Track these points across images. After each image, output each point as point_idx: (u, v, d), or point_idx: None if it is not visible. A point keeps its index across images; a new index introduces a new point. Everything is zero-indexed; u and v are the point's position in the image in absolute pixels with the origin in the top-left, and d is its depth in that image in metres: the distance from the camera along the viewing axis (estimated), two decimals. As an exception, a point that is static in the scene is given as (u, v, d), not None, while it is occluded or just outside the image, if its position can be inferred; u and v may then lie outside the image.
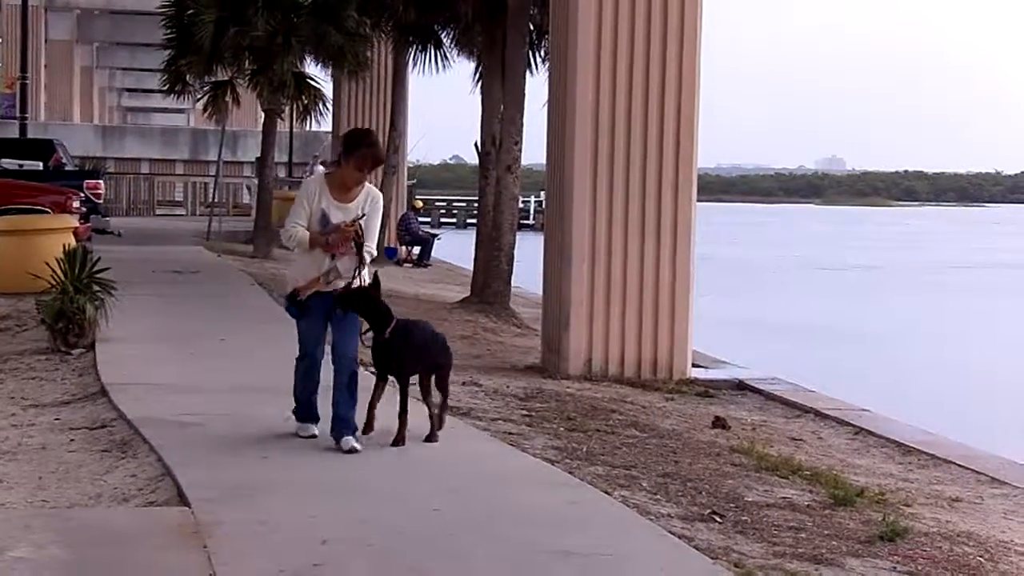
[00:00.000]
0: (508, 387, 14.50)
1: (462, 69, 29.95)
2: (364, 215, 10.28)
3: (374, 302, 10.36)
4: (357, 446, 10.15)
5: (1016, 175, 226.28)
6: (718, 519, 9.21)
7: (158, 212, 52.61)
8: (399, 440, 10.36)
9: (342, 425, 10.28)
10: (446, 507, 8.84)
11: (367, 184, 10.52)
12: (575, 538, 8.17)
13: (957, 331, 34.64)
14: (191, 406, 12.02)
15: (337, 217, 10.21)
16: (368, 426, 10.56)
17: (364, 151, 10.22)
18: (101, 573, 7.30)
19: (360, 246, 10.27)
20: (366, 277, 10.38)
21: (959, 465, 12.69)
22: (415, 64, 31.50)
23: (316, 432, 10.60)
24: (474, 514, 8.76)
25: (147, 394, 12.62)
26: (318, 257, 10.31)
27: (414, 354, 10.57)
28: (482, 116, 25.38)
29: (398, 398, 10.46)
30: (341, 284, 10.26)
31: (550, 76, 17.75)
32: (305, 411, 10.74)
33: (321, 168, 44.80)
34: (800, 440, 13.32)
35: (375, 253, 10.50)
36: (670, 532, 8.53)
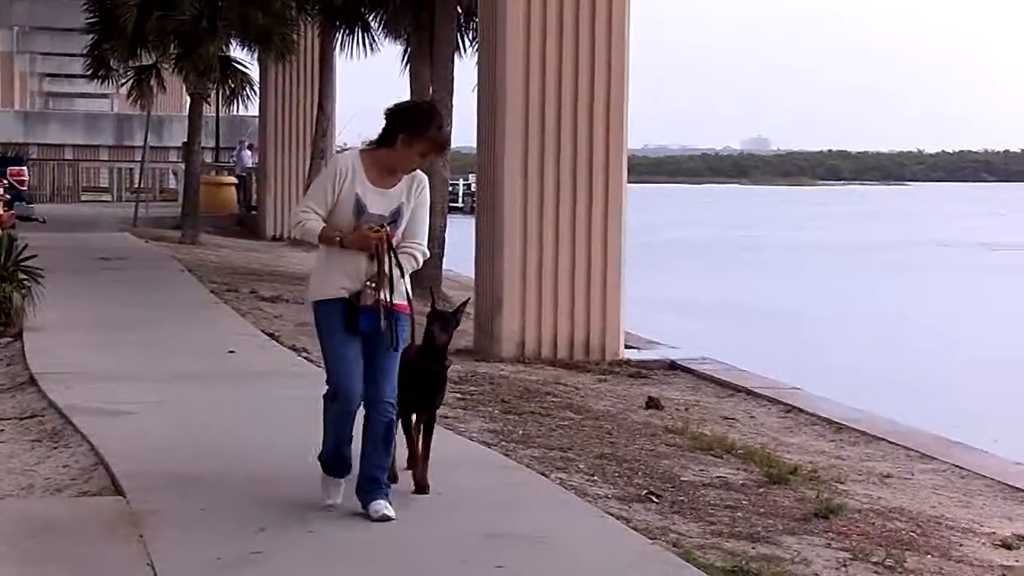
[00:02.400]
0: (441, 370, 14.45)
1: (390, 52, 29.85)
2: (390, 222, 7.97)
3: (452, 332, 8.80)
4: (390, 513, 7.99)
5: (936, 154, 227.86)
6: (655, 499, 9.24)
7: (83, 198, 52.26)
8: (426, 486, 8.68)
9: (373, 487, 8.08)
10: (383, 492, 8.83)
11: None
12: (514, 521, 8.17)
13: (897, 309, 34.68)
14: (123, 395, 11.94)
15: (376, 205, 7.93)
16: (394, 477, 8.65)
17: (434, 134, 8.01)
18: (36, 563, 7.23)
19: (386, 257, 7.96)
20: (404, 288, 8.23)
21: (889, 442, 12.79)
22: (343, 47, 31.34)
23: (339, 500, 8.30)
24: (412, 497, 8.75)
25: (78, 383, 12.52)
26: (349, 257, 7.99)
27: None
28: (411, 97, 25.31)
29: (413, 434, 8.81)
30: (378, 294, 7.99)
31: (479, 59, 17.74)
32: (336, 464, 8.31)
33: (248, 153, 44.98)
34: (733, 419, 13.38)
35: (426, 254, 8.46)
36: (608, 513, 8.54)
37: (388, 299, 7.99)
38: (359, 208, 7.95)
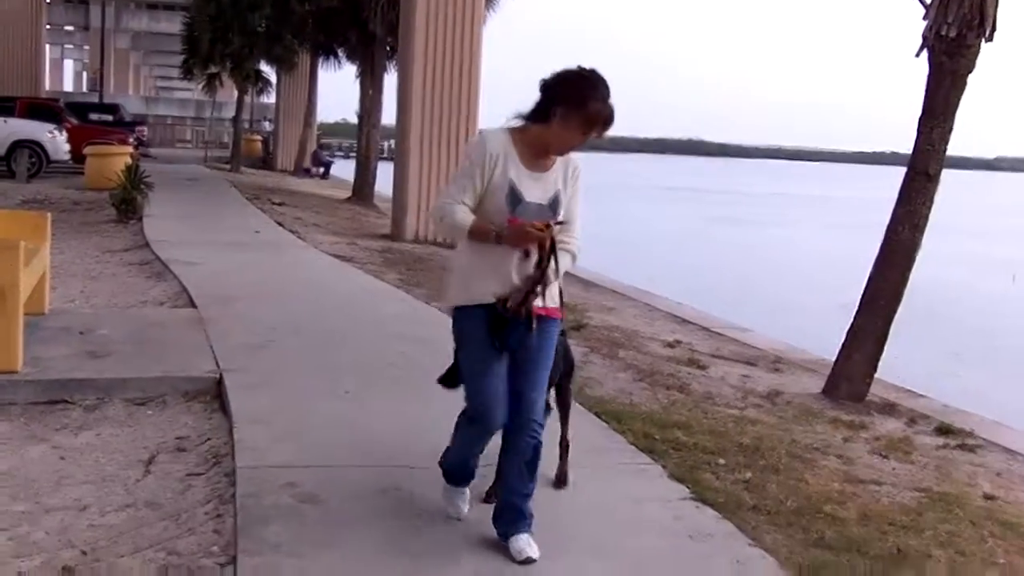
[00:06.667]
0: (372, 245, 14.19)
1: (349, 69, 29.14)
2: (561, 222, 3.67)
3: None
4: (534, 554, 3.71)
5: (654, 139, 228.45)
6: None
7: (176, 146, 50.53)
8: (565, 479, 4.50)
9: (516, 517, 3.81)
10: (341, 308, 8.61)
11: None
12: (416, 328, 7.97)
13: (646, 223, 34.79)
14: (195, 253, 11.46)
15: (533, 194, 3.64)
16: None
17: (596, 107, 3.51)
18: (150, 343, 6.93)
19: (546, 256, 3.61)
20: (557, 291, 3.81)
21: (614, 291, 12.86)
22: (323, 65, 30.73)
23: (466, 510, 4.09)
24: (359, 312, 8.54)
25: (171, 246, 12.01)
26: (503, 256, 3.65)
27: None
28: (360, 95, 24.78)
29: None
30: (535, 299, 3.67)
31: (399, 75, 17.29)
32: (462, 474, 4.08)
33: (267, 123, 43.46)
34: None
35: (577, 254, 3.82)
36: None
37: (542, 304, 3.73)
38: (514, 197, 3.64)
